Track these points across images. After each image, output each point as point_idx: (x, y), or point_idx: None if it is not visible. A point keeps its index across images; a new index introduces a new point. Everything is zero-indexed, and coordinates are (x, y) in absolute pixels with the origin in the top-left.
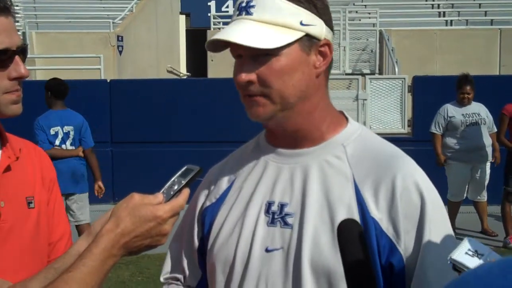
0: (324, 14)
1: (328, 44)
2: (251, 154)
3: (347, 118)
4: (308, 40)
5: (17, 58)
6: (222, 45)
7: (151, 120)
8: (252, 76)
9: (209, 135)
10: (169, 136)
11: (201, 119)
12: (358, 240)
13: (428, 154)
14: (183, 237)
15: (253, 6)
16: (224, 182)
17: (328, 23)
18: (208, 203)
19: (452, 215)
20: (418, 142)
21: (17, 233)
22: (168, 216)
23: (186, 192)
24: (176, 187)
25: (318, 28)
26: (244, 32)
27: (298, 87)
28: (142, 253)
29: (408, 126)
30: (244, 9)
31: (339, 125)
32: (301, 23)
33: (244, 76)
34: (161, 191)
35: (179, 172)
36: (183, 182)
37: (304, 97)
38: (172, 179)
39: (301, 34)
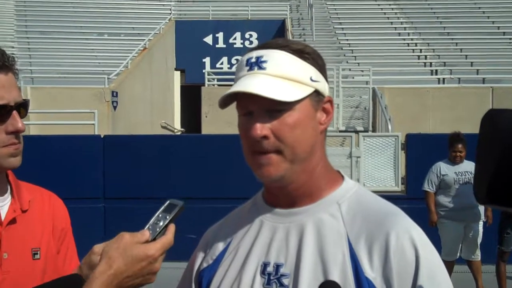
0: (324, 71)
1: (330, 101)
2: (248, 214)
3: (342, 176)
4: (316, 96)
5: (14, 113)
6: (229, 99)
7: (144, 176)
8: (267, 131)
9: (202, 191)
10: (162, 192)
11: (195, 175)
12: None
13: (422, 212)
14: None
15: (265, 61)
16: (220, 243)
17: (326, 77)
18: (205, 265)
19: None
20: (411, 200)
21: (21, 284)
22: (159, 255)
23: (172, 228)
24: (161, 223)
25: (323, 84)
26: (263, 85)
27: (309, 142)
28: None
29: (402, 183)
30: (255, 64)
31: (335, 182)
32: (311, 79)
33: (259, 131)
34: (147, 227)
35: (162, 207)
36: (168, 217)
37: (311, 154)
38: (156, 214)
39: (311, 90)
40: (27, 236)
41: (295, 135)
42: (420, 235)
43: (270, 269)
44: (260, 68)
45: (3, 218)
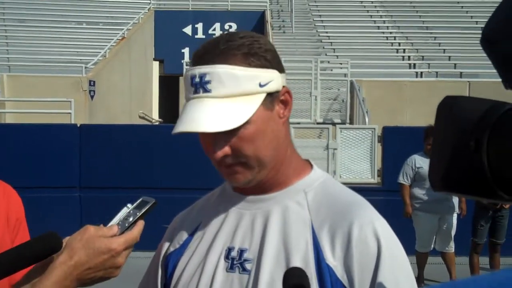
0: (275, 62)
1: (287, 92)
2: (216, 201)
3: (311, 165)
4: (270, 97)
5: None
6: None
7: (121, 165)
8: (227, 150)
9: (180, 182)
10: (140, 182)
11: (172, 166)
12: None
13: (397, 204)
14: (149, 283)
15: (209, 82)
16: (188, 229)
17: (280, 67)
18: (171, 249)
19: (421, 266)
20: (387, 192)
21: None
22: (122, 249)
23: (140, 224)
24: (131, 219)
25: (275, 81)
26: (208, 116)
27: (271, 145)
28: (94, 284)
29: (378, 176)
30: (200, 86)
31: (303, 171)
32: (260, 85)
33: (220, 153)
34: (116, 222)
35: (135, 204)
36: (138, 214)
37: (277, 151)
38: (128, 210)
39: (262, 97)
40: None
41: (255, 146)
42: (383, 226)
43: (234, 254)
44: (205, 90)
45: None
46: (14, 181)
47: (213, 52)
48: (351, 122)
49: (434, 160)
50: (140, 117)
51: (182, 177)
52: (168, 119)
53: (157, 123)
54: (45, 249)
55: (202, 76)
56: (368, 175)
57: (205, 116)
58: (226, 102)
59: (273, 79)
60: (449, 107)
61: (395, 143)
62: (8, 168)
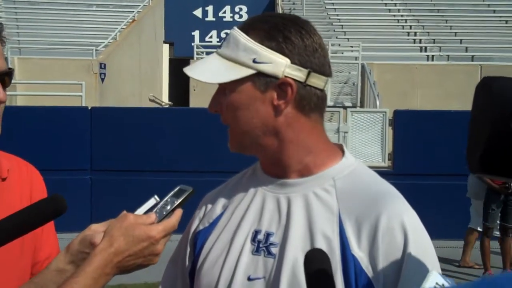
0: (295, 53)
1: (289, 84)
2: (246, 181)
3: (343, 152)
4: (264, 78)
5: None
6: None
7: (131, 148)
8: (215, 106)
9: (190, 164)
10: (150, 165)
11: (182, 149)
12: (324, 272)
13: (408, 187)
14: (178, 258)
15: (226, 41)
16: (218, 208)
17: (301, 62)
18: (201, 227)
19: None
20: (398, 176)
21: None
22: (161, 236)
23: (178, 212)
24: (168, 207)
25: (274, 66)
26: (205, 67)
27: (252, 124)
28: (133, 271)
29: (389, 159)
30: (222, 43)
31: (334, 158)
32: (254, 61)
33: (209, 106)
34: (154, 210)
35: (172, 192)
36: (176, 202)
37: (267, 133)
38: (165, 198)
39: (250, 72)
40: (6, 205)
41: (234, 114)
42: (411, 218)
43: (260, 237)
44: (221, 47)
45: None
46: None
47: (247, 21)
48: (362, 106)
49: (472, 142)
50: (150, 100)
51: (192, 160)
52: (178, 102)
53: (166, 106)
54: (51, 211)
55: (227, 36)
56: (379, 158)
57: (202, 66)
58: (222, 62)
59: (273, 62)
60: (488, 87)
61: (406, 126)
62: (18, 150)
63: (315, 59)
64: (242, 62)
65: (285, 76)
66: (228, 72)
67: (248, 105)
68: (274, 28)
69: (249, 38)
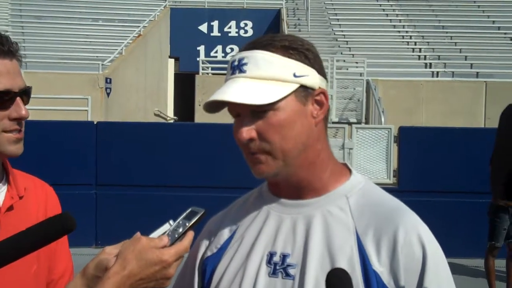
0: (315, 63)
1: (323, 93)
2: (253, 204)
3: (350, 170)
4: (304, 91)
5: (18, 99)
6: (219, 105)
7: (136, 163)
8: (253, 133)
9: (195, 180)
10: (155, 180)
11: (187, 164)
12: None
13: (413, 204)
14: (184, 286)
15: (245, 64)
16: (225, 232)
17: (321, 71)
18: (209, 253)
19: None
20: (403, 193)
21: (15, 271)
22: (173, 260)
23: (190, 235)
24: (180, 229)
25: (311, 78)
26: (239, 90)
27: (298, 139)
28: None
29: (394, 176)
30: (237, 68)
31: (343, 176)
32: (294, 75)
33: (245, 134)
34: (166, 233)
35: (184, 214)
36: (188, 224)
37: (305, 149)
38: (177, 221)
39: (295, 86)
40: (23, 224)
41: (281, 134)
42: (426, 231)
43: (276, 259)
44: (241, 71)
45: (1, 204)
46: None
47: (255, 43)
48: (367, 122)
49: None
50: (155, 114)
51: (197, 175)
52: (183, 117)
53: (172, 121)
54: (58, 229)
55: (240, 60)
56: (384, 175)
57: (235, 90)
58: (258, 82)
59: (309, 75)
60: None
61: (412, 143)
62: (24, 165)
63: (322, 67)
64: (284, 78)
65: (319, 87)
66: (272, 91)
67: (294, 121)
68: (293, 43)
69: (279, 55)
